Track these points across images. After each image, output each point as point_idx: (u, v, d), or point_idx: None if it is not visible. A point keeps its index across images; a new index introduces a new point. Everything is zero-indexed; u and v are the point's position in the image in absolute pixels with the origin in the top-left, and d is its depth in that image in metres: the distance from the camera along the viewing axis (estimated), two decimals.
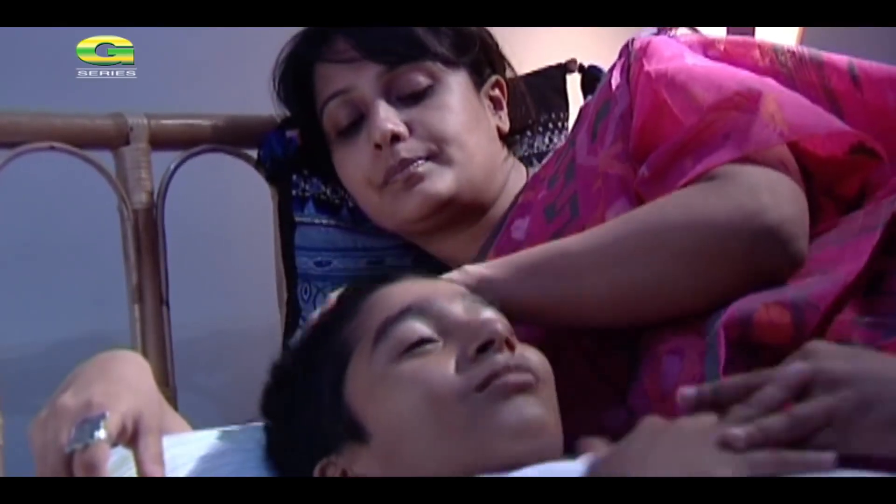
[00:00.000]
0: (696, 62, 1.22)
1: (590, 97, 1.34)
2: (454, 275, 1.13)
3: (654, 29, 1.26)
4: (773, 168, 1.11)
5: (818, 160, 1.16)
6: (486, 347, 0.97)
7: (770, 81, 1.17)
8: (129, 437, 0.97)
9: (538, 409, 0.96)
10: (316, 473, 1.00)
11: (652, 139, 1.18)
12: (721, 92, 1.15)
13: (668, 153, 1.15)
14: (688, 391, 0.89)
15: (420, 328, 1.00)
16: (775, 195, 1.08)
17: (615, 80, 1.25)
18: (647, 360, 1.11)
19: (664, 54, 1.22)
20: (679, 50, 1.24)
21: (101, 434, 0.92)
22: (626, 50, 1.27)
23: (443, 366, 0.97)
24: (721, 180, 1.10)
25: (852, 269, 1.03)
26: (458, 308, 1.02)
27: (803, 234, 1.08)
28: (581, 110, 1.33)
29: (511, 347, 0.99)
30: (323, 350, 1.04)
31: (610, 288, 1.10)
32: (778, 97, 1.13)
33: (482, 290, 1.09)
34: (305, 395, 1.04)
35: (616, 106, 1.23)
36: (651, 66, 1.21)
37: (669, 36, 1.28)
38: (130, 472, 0.98)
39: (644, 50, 1.23)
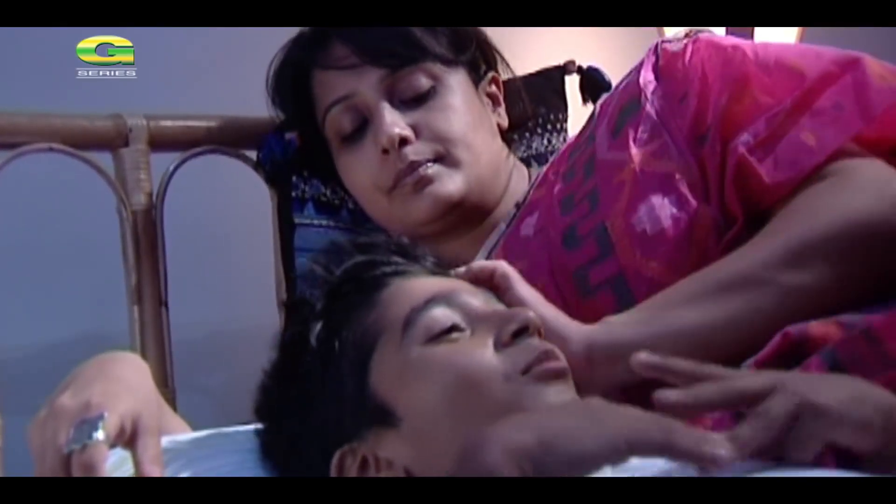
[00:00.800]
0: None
1: (606, 94, 1.34)
2: (595, 328, 1.09)
3: (681, 31, 1.26)
4: (869, 157, 1.12)
5: None
6: (520, 333, 0.99)
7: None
8: (128, 437, 0.96)
9: (575, 396, 0.98)
10: (334, 462, 1.00)
11: (741, 111, 1.17)
12: (821, 58, 1.16)
13: (775, 120, 1.14)
14: (665, 395, 0.87)
15: (449, 315, 1.01)
16: None
17: (644, 78, 1.25)
18: None
19: (728, 38, 1.23)
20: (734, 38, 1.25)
21: (99, 435, 0.92)
22: (654, 49, 1.27)
23: (479, 349, 0.98)
24: (842, 177, 1.11)
25: None
26: (477, 301, 1.03)
27: None
28: (599, 107, 1.32)
29: (541, 336, 1.00)
30: (339, 341, 1.04)
31: (779, 307, 1.08)
32: (875, 61, 1.15)
33: (631, 337, 1.06)
34: (321, 386, 1.04)
35: (647, 103, 1.23)
36: (732, 42, 1.21)
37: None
38: (129, 473, 0.98)
39: (705, 37, 1.23)
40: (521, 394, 0.96)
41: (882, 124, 1.15)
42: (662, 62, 1.24)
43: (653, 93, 1.23)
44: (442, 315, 1.01)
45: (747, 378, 0.88)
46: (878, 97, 1.13)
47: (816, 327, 1.04)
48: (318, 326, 1.05)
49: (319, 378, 1.04)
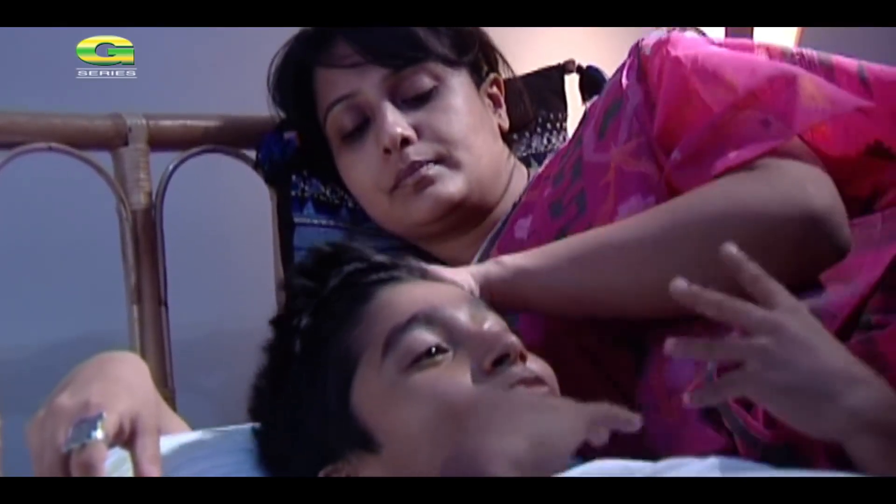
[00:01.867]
0: (723, 49, 1.22)
1: (596, 97, 1.34)
2: (490, 266, 1.14)
3: (662, 30, 1.26)
4: (808, 161, 1.12)
5: (830, 161, 1.16)
6: (501, 360, 0.98)
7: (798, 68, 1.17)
8: (127, 437, 0.96)
9: None
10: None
11: (680, 124, 1.17)
12: (755, 75, 1.15)
13: (702, 137, 1.14)
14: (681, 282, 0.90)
15: (430, 338, 1.00)
16: (818, 185, 1.09)
17: (625, 79, 1.25)
18: (655, 358, 1.11)
19: (688, 43, 1.22)
20: (701, 40, 1.24)
21: (98, 434, 0.92)
22: (634, 50, 1.26)
23: (458, 378, 0.98)
24: (762, 171, 1.10)
25: (870, 280, 1.04)
26: (463, 314, 1.02)
27: (846, 223, 1.09)
28: (588, 109, 1.33)
29: (524, 359, 0.99)
30: (325, 355, 1.03)
31: (654, 279, 1.07)
32: (813, 78, 1.14)
33: (519, 282, 1.11)
34: (308, 401, 1.03)
35: (628, 103, 1.23)
36: (679, 52, 1.20)
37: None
38: (128, 473, 0.98)
39: (667, 41, 1.22)
40: None
41: (818, 142, 1.16)
42: (640, 63, 1.24)
43: (633, 94, 1.23)
44: (424, 337, 1.00)
45: (750, 307, 0.90)
46: (802, 116, 1.12)
47: None
48: (304, 341, 1.05)
49: (306, 392, 1.04)
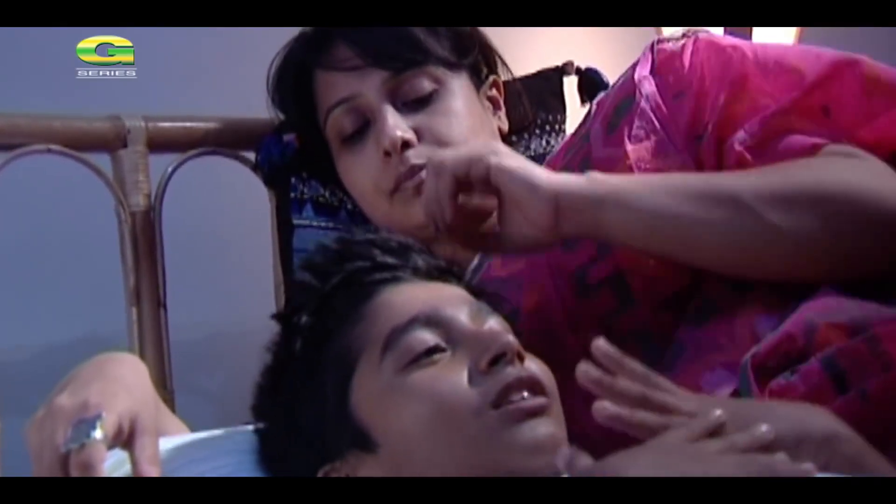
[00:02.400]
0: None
1: (602, 94, 1.34)
2: (575, 179, 1.11)
3: (669, 30, 1.26)
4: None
5: None
6: (497, 360, 0.97)
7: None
8: (126, 437, 0.96)
9: (552, 428, 0.96)
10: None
11: (738, 111, 1.17)
12: (820, 60, 1.16)
13: (773, 119, 1.14)
14: (588, 373, 0.89)
15: (429, 338, 1.00)
16: None
17: (639, 75, 1.25)
18: (690, 363, 1.10)
19: (726, 38, 1.23)
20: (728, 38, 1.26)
21: (97, 434, 0.92)
22: (651, 49, 1.27)
23: (454, 378, 0.97)
24: (860, 161, 1.11)
25: None
26: (464, 315, 1.02)
27: None
28: (595, 106, 1.32)
29: (521, 359, 0.99)
30: (325, 354, 1.03)
31: (755, 232, 1.08)
32: (872, 63, 1.15)
33: (604, 203, 1.09)
34: (307, 400, 1.03)
35: (642, 100, 1.22)
36: (729, 43, 1.21)
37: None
38: (127, 474, 0.98)
39: (703, 39, 1.23)
40: (492, 431, 0.95)
41: (880, 130, 1.16)
42: (658, 60, 1.24)
43: (648, 89, 1.23)
44: (423, 337, 1.00)
45: (682, 397, 0.90)
46: (870, 104, 1.13)
47: (823, 334, 1.03)
48: (305, 338, 1.05)
49: (305, 391, 1.04)
